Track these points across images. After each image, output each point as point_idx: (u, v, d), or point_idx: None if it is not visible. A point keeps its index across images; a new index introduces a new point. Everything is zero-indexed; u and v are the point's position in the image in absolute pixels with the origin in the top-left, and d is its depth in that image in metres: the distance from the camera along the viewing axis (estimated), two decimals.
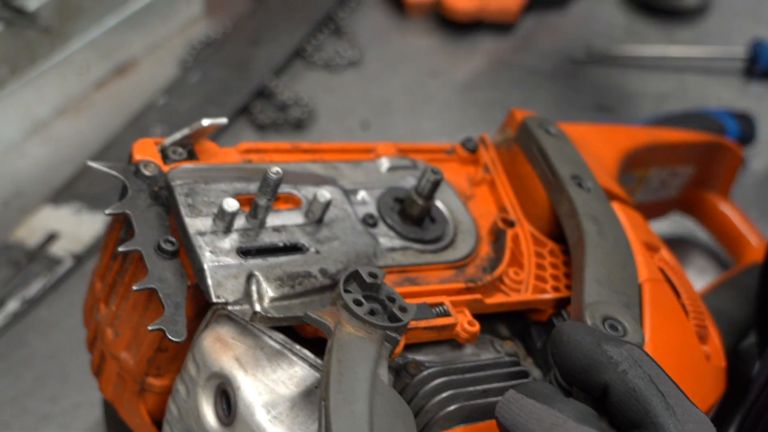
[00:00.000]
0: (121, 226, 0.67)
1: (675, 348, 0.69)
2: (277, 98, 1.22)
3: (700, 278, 1.06)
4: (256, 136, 1.18)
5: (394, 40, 1.34)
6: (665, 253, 0.78)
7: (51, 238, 1.02)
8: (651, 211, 1.01)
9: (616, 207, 0.76)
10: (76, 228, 1.03)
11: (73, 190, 1.08)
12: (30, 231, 1.03)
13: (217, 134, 1.13)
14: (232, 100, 1.20)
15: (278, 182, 0.63)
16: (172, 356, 0.66)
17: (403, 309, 0.60)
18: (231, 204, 0.63)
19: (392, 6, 1.39)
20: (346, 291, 0.59)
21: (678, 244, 1.10)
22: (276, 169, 0.63)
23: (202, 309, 0.63)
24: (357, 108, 1.23)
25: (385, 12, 1.38)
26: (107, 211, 0.64)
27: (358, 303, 0.59)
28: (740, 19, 1.41)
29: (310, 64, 1.29)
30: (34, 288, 0.97)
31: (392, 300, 0.61)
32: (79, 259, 1.01)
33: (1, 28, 1.05)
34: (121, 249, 0.62)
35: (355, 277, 0.61)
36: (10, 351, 0.94)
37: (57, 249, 1.01)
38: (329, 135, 1.18)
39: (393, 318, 0.59)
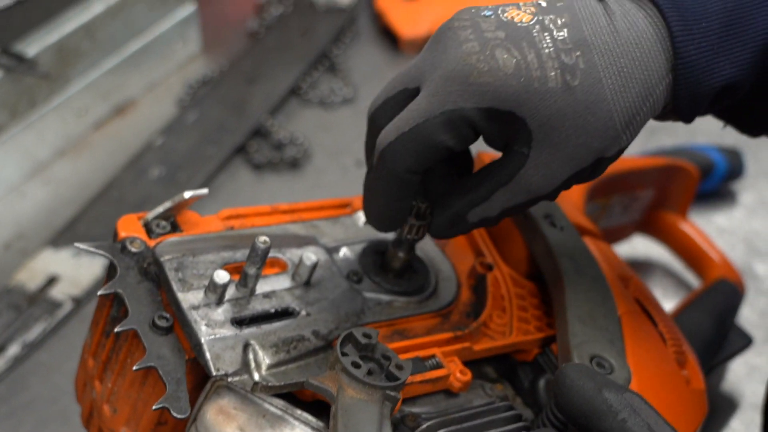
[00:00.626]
0: (111, 304, 0.68)
1: (658, 377, 0.71)
2: (273, 137, 1.23)
3: (663, 298, 1.09)
4: (253, 175, 1.19)
5: (388, 76, 1.35)
6: (638, 282, 0.80)
7: (51, 281, 1.02)
8: (615, 235, 1.04)
9: (588, 242, 0.79)
10: (76, 271, 1.04)
11: (73, 232, 1.08)
12: (30, 274, 1.03)
13: (213, 175, 1.15)
14: (229, 140, 1.21)
15: (267, 251, 0.65)
16: (172, 428, 0.67)
17: (399, 367, 0.62)
18: (222, 276, 0.64)
19: (386, 42, 1.41)
20: (344, 354, 0.61)
21: (640, 265, 1.13)
22: (264, 238, 0.64)
23: (200, 381, 0.64)
24: (351, 146, 1.24)
25: (379, 48, 1.40)
26: (100, 293, 0.65)
27: (356, 365, 0.60)
28: None
29: (305, 101, 1.31)
30: (35, 332, 0.98)
31: (388, 358, 0.62)
32: (79, 303, 1.02)
33: (0, 74, 1.05)
34: (117, 329, 0.63)
35: (350, 338, 0.62)
36: (11, 395, 0.94)
37: (57, 292, 1.02)
38: (325, 174, 1.20)
39: (391, 377, 0.61)
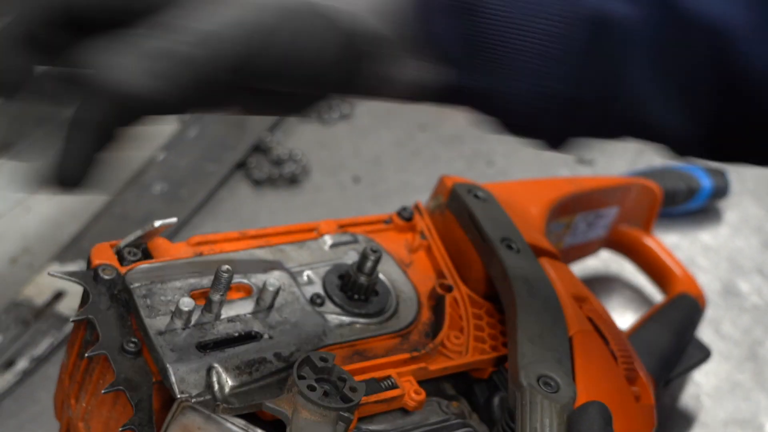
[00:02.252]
0: (85, 328, 0.72)
1: (606, 394, 0.75)
2: (272, 153, 1.26)
3: (626, 312, 1.13)
4: (253, 191, 1.22)
5: None
6: (593, 301, 0.84)
7: (58, 296, 1.05)
8: (581, 251, 1.07)
9: (544, 263, 0.82)
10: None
11: (78, 247, 1.11)
12: (37, 289, 1.05)
13: (214, 191, 1.18)
14: (229, 156, 1.23)
15: (230, 279, 0.68)
16: None
17: (353, 389, 0.65)
18: (187, 303, 0.68)
19: None
20: (300, 377, 0.65)
21: (607, 280, 1.17)
22: (226, 267, 0.68)
23: (167, 402, 0.68)
24: (349, 162, 1.27)
25: None
26: (72, 319, 0.69)
27: (312, 388, 0.64)
28: None
29: (303, 117, 1.33)
30: (43, 346, 1.00)
31: (343, 380, 0.66)
32: None
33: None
34: (87, 354, 0.67)
35: (307, 362, 0.66)
36: (20, 409, 0.96)
37: (63, 307, 1.04)
38: (323, 190, 1.23)
39: (345, 398, 0.65)
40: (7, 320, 1.02)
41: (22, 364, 0.99)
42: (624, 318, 1.12)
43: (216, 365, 0.67)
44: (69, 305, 1.04)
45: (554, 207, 0.95)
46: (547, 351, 0.73)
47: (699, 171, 1.23)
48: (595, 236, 1.06)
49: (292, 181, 1.24)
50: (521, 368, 0.70)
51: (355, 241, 0.82)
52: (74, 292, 1.05)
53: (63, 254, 1.10)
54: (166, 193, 1.18)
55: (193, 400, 0.65)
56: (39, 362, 1.00)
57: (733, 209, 1.27)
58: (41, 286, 1.06)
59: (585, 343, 0.77)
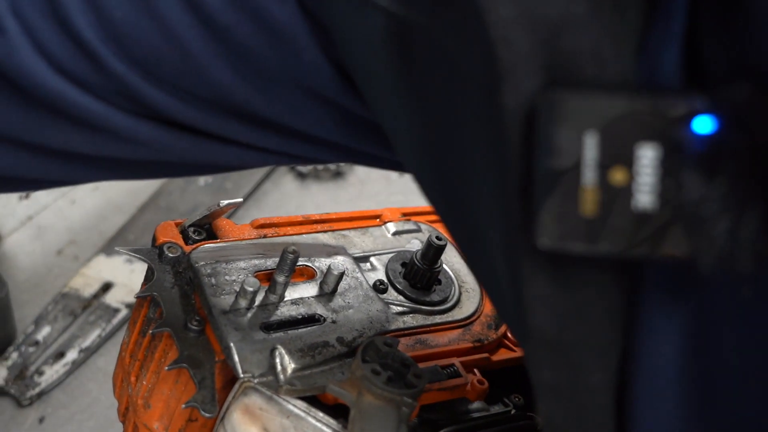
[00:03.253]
0: (149, 305, 0.72)
1: None
2: None
3: None
4: (297, 184, 1.22)
5: None
6: None
7: (106, 287, 1.06)
8: None
9: None
10: (128, 278, 1.08)
11: (123, 239, 1.12)
12: (84, 280, 1.07)
13: (259, 184, 1.17)
14: None
15: (295, 260, 0.68)
16: (202, 425, 0.70)
17: (417, 375, 0.64)
18: (252, 283, 0.67)
19: None
20: (365, 361, 0.64)
21: None
22: (293, 248, 0.68)
23: (229, 381, 0.68)
24: None
25: None
26: (136, 295, 0.69)
27: (376, 372, 0.63)
28: None
29: None
30: (91, 337, 1.01)
31: (407, 366, 0.65)
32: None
33: None
34: (152, 331, 0.67)
35: (371, 346, 0.65)
36: (71, 400, 0.97)
37: (110, 299, 1.05)
38: (368, 183, 1.22)
39: (409, 384, 0.64)
40: (54, 311, 1.03)
41: (71, 355, 1.00)
42: None
43: (279, 347, 0.67)
44: (116, 297, 1.05)
45: None
46: None
47: None
48: None
49: (337, 173, 1.24)
50: None
51: (419, 229, 0.81)
52: (122, 283, 1.06)
53: (109, 246, 1.11)
54: (211, 185, 1.18)
55: (256, 381, 0.65)
56: (88, 353, 1.01)
57: None
58: (88, 277, 1.07)
59: None
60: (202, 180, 1.19)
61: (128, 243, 1.10)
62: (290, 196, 1.21)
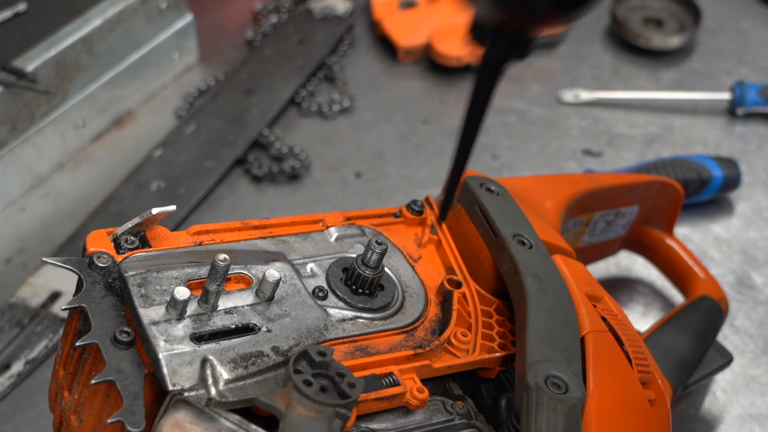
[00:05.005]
0: (80, 317, 0.70)
1: (619, 397, 0.72)
2: (272, 149, 1.23)
3: (647, 314, 1.09)
4: (252, 188, 1.20)
5: (385, 86, 1.35)
6: (608, 301, 0.81)
7: (53, 297, 1.04)
8: (600, 251, 1.04)
9: (558, 260, 0.79)
10: None
11: (73, 247, 1.09)
12: (32, 290, 1.04)
13: (213, 188, 1.16)
14: (228, 152, 1.21)
15: (226, 269, 0.66)
16: None
17: (351, 385, 0.63)
18: (182, 292, 0.65)
19: (383, 51, 1.41)
20: (296, 371, 0.62)
21: (626, 282, 1.14)
22: (223, 256, 0.66)
23: (160, 394, 0.66)
24: (351, 157, 1.25)
25: (376, 57, 1.40)
26: (63, 307, 0.67)
27: (308, 383, 0.61)
28: (723, 58, 1.44)
29: (303, 111, 1.31)
30: (38, 348, 0.99)
31: (341, 376, 0.63)
32: None
33: (0, 90, 1.07)
34: (78, 343, 0.65)
35: (304, 356, 0.64)
36: (16, 413, 0.95)
37: (58, 309, 1.03)
38: (324, 186, 1.20)
39: (342, 394, 0.62)
40: (1, 322, 1.01)
41: (17, 367, 0.98)
42: (645, 319, 1.08)
43: (211, 358, 0.65)
44: (64, 306, 1.03)
45: (571, 204, 0.91)
46: (556, 350, 0.70)
47: (709, 161, 1.19)
48: (615, 235, 1.03)
49: (293, 177, 1.22)
50: (529, 368, 0.67)
51: (362, 233, 0.80)
52: (70, 292, 1.03)
53: (58, 254, 1.08)
54: (163, 190, 1.16)
55: (186, 394, 0.63)
56: (34, 365, 0.98)
57: (745, 200, 1.24)
58: (36, 287, 1.04)
59: (597, 344, 0.74)
60: (154, 185, 1.17)
61: (78, 251, 1.08)
62: (245, 200, 1.19)
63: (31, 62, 1.10)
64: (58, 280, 1.05)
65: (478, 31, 0.58)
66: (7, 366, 0.97)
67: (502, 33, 0.57)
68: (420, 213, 0.83)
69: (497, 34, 0.57)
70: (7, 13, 1.17)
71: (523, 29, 0.56)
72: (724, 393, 1.01)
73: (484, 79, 0.60)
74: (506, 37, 0.57)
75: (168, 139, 1.24)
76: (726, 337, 1.05)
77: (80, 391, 0.69)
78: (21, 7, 1.18)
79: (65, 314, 1.02)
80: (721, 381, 1.01)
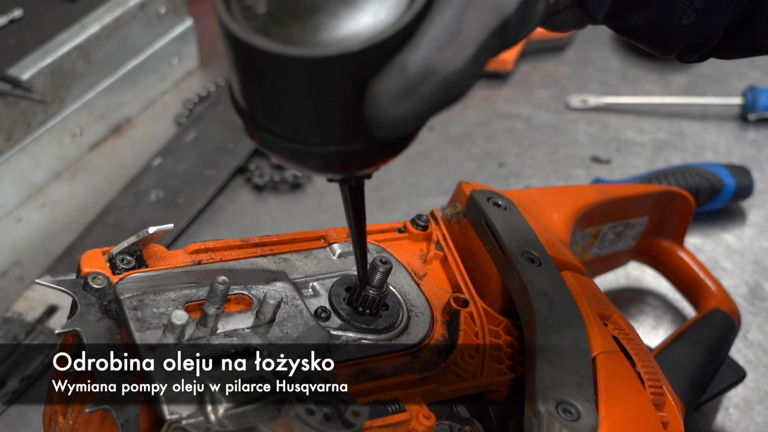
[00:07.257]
0: (74, 340, 0.67)
1: (632, 421, 0.69)
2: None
3: (657, 327, 1.07)
4: (253, 197, 1.18)
5: None
6: (619, 319, 0.78)
7: (50, 311, 1.01)
8: (608, 263, 1.02)
9: (568, 277, 0.77)
10: None
11: (71, 259, 1.07)
12: (28, 304, 1.02)
13: (213, 197, 1.13)
14: (229, 161, 1.19)
15: (226, 291, 0.64)
16: None
17: (356, 413, 0.60)
18: (180, 316, 0.63)
19: None
20: (299, 399, 0.60)
21: (636, 293, 1.11)
22: (222, 278, 0.63)
23: (156, 422, 0.63)
24: None
25: None
26: (57, 331, 0.64)
27: (311, 412, 0.59)
28: (735, 62, 1.42)
29: None
30: (34, 365, 0.97)
31: (345, 403, 0.61)
32: None
33: None
34: (69, 371, 0.62)
35: (307, 381, 0.61)
36: (11, 431, 0.93)
37: (55, 324, 1.00)
38: (327, 195, 1.18)
39: (347, 423, 0.60)
40: None
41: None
42: (656, 332, 1.06)
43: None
44: (61, 321, 1.00)
45: (580, 216, 0.89)
46: (567, 374, 0.67)
47: (721, 169, 1.16)
48: (624, 247, 1.00)
49: (295, 185, 1.19)
50: (539, 393, 0.65)
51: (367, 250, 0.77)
52: (67, 306, 1.01)
53: (55, 267, 1.06)
54: (163, 200, 1.14)
55: (184, 422, 0.61)
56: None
57: (758, 208, 1.21)
58: (32, 300, 1.02)
59: (609, 365, 0.71)
60: (153, 195, 1.14)
61: (76, 263, 1.06)
62: (246, 209, 1.17)
63: (27, 70, 1.08)
64: (54, 293, 1.03)
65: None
66: (2, 383, 0.95)
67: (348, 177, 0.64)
68: (425, 228, 0.81)
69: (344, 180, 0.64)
70: (2, 20, 1.15)
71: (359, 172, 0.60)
72: (738, 410, 0.98)
73: (352, 197, 0.68)
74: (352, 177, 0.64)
75: (167, 147, 1.21)
76: (739, 350, 1.03)
77: (75, 417, 0.67)
78: (17, 13, 1.16)
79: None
80: (734, 397, 0.99)
